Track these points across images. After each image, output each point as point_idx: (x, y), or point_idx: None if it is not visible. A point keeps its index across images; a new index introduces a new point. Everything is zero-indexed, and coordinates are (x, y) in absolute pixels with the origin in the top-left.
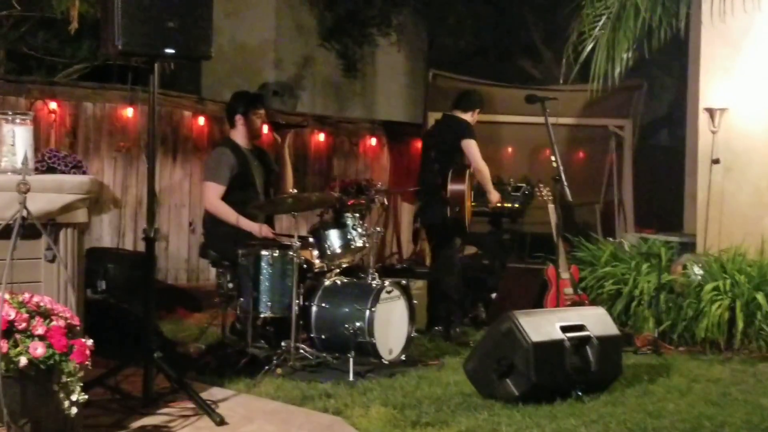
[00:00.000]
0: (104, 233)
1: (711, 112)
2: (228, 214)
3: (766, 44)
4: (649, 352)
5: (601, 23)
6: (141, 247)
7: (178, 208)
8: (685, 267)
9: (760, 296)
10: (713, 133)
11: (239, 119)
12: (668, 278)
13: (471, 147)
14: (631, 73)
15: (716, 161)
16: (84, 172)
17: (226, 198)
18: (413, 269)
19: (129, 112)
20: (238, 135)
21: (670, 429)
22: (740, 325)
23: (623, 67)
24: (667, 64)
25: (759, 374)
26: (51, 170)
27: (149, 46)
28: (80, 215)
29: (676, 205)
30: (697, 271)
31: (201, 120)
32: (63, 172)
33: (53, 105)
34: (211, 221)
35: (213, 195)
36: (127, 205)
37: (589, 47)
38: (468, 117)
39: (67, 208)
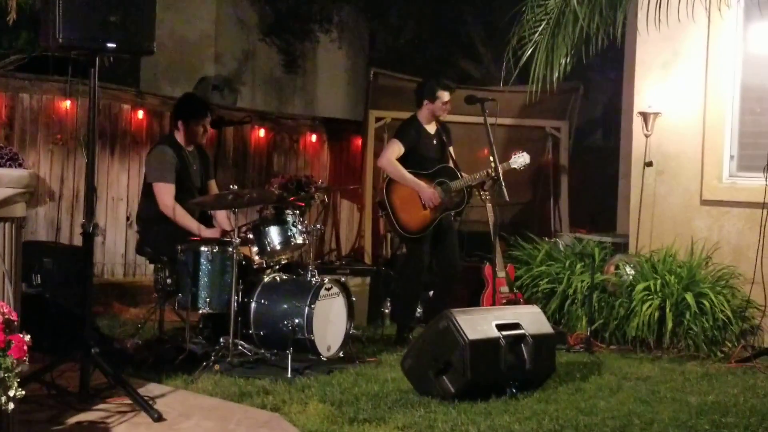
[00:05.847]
0: (39, 226)
1: (645, 116)
2: (186, 219)
3: (699, 52)
4: (581, 351)
5: (540, 28)
6: (77, 241)
7: (116, 202)
8: (617, 267)
9: (689, 296)
10: (646, 136)
11: (181, 125)
12: (601, 278)
13: (387, 145)
14: (567, 75)
15: (649, 164)
16: (20, 165)
17: None
18: (353, 266)
19: (66, 104)
20: (180, 136)
21: (601, 426)
22: (669, 324)
23: (561, 71)
24: (603, 67)
25: (687, 373)
26: None
27: (90, 39)
28: (18, 209)
29: (610, 206)
30: (629, 271)
31: (140, 113)
32: None
33: None
34: (147, 218)
35: (168, 196)
36: (63, 198)
37: (529, 52)
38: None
39: (5, 202)
